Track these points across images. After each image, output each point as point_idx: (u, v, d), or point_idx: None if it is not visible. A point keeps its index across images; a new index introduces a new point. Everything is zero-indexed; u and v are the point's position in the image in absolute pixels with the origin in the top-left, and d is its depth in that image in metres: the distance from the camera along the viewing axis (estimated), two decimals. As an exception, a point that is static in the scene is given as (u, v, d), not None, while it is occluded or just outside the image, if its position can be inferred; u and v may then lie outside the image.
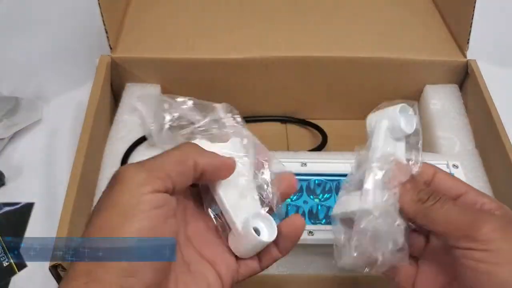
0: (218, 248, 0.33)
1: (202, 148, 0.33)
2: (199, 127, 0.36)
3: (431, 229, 0.32)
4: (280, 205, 0.33)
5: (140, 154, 0.54)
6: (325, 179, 0.53)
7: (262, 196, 0.33)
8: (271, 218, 0.33)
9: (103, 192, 0.30)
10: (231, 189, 0.33)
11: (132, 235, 0.27)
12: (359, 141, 0.38)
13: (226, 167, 0.32)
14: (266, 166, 0.33)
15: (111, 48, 0.59)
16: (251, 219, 0.32)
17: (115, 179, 0.30)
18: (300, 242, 0.48)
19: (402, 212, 0.33)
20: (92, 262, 0.27)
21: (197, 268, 0.32)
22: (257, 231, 0.32)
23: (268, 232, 0.32)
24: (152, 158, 0.31)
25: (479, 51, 0.61)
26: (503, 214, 0.32)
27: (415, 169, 0.34)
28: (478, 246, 0.29)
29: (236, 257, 0.34)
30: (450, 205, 0.31)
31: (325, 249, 0.49)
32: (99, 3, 0.54)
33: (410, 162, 0.35)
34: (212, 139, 0.34)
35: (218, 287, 0.32)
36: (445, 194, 0.33)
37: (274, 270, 0.49)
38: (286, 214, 0.33)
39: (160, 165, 0.30)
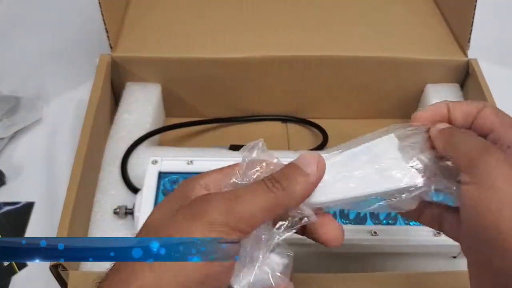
0: None
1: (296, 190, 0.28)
2: None
3: (451, 157, 0.29)
4: None
5: (140, 154, 0.54)
6: (325, 178, 0.53)
7: None
8: None
9: (168, 201, 0.28)
10: None
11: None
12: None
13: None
14: None
15: (111, 48, 0.59)
16: None
17: (191, 208, 0.26)
18: (301, 241, 0.48)
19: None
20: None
21: None
22: None
23: None
24: (241, 197, 0.26)
25: (480, 50, 0.61)
26: None
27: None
28: (473, 179, 0.26)
29: None
30: (470, 133, 0.29)
31: (326, 249, 0.49)
32: (99, 3, 0.54)
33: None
34: None
35: None
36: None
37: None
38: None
39: (247, 216, 0.26)
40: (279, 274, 0.27)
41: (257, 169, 0.29)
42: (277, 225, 0.28)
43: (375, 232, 0.48)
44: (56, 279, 0.43)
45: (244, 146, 0.30)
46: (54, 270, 0.41)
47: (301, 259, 0.50)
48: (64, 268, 0.41)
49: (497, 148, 0.28)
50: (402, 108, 0.65)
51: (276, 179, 0.27)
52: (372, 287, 0.41)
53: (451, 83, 0.62)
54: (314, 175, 0.28)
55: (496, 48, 0.75)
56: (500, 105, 0.55)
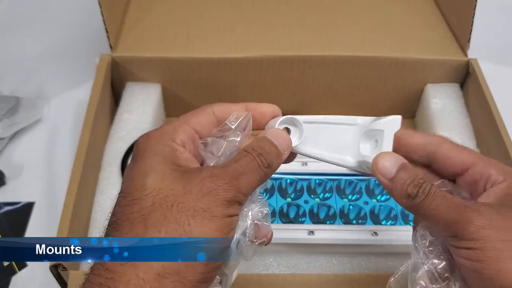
0: None
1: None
2: None
3: (426, 222, 0.31)
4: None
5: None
6: (325, 178, 0.53)
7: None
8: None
9: (154, 164, 0.31)
10: None
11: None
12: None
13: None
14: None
15: (111, 47, 0.59)
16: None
17: (203, 185, 0.29)
18: (301, 241, 0.48)
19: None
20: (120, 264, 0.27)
21: None
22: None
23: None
24: (243, 175, 0.31)
25: (481, 50, 0.61)
26: (504, 192, 0.30)
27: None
28: (464, 244, 0.28)
29: None
30: (439, 200, 0.30)
31: (326, 249, 0.49)
32: (99, 3, 0.54)
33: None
34: None
35: None
36: (442, 179, 0.33)
37: (274, 269, 0.49)
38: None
39: (248, 191, 0.31)
40: (264, 221, 0.32)
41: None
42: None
43: (375, 232, 0.48)
44: (56, 279, 0.43)
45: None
46: (54, 270, 0.41)
47: (301, 259, 0.50)
48: (64, 268, 0.41)
49: (473, 208, 0.29)
50: (402, 108, 0.65)
51: (265, 157, 0.32)
52: (375, 287, 0.41)
53: (451, 83, 0.62)
54: (286, 155, 0.34)
55: (496, 48, 0.75)
56: (500, 104, 0.55)
